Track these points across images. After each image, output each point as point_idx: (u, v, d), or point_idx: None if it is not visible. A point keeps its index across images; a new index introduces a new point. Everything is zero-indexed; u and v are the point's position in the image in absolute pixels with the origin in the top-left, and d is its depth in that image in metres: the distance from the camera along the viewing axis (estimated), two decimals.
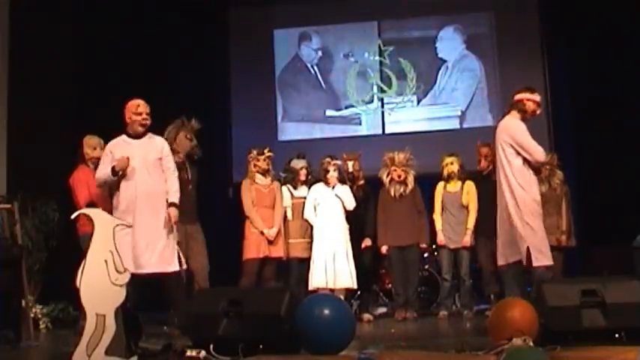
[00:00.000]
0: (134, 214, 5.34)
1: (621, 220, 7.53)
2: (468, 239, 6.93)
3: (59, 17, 7.85)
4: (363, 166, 7.12)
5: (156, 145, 5.60)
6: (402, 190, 6.90)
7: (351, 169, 6.91)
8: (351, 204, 6.65)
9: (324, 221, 6.56)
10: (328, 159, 6.79)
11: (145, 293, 5.32)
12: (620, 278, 4.49)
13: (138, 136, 5.52)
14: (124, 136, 5.54)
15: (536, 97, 5.35)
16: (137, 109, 5.51)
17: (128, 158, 5.38)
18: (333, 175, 6.67)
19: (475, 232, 6.99)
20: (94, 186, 6.17)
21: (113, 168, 5.38)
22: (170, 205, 5.49)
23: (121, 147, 5.48)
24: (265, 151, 6.78)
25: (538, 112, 5.38)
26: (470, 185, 7.05)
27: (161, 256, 5.40)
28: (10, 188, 7.02)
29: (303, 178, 6.92)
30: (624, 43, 8.45)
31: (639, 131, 8.34)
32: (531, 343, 3.73)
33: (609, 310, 4.06)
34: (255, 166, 6.73)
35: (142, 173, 5.45)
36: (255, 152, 6.77)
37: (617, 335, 4.01)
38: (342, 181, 6.81)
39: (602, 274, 6.32)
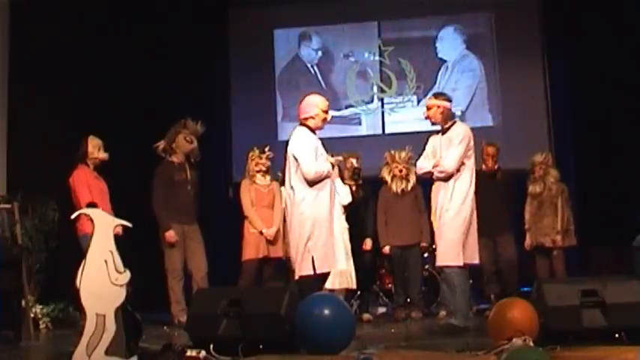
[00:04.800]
0: (335, 210, 5.33)
1: (621, 220, 7.53)
2: None
3: (59, 17, 7.84)
4: (363, 166, 7.11)
5: None
6: (403, 185, 6.89)
7: (356, 164, 6.87)
8: (346, 197, 6.58)
9: None
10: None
11: None
12: (620, 278, 4.50)
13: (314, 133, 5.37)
14: (308, 130, 5.28)
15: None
16: (327, 107, 5.37)
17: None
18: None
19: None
20: (94, 186, 6.17)
21: (332, 164, 5.30)
22: None
23: (318, 142, 5.31)
24: (266, 150, 6.79)
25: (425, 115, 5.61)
26: None
27: None
28: (10, 188, 7.01)
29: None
30: (624, 43, 8.45)
31: (638, 131, 8.34)
32: (531, 343, 3.73)
33: (609, 310, 4.06)
34: (257, 164, 6.73)
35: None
36: (257, 151, 6.79)
37: (617, 335, 4.01)
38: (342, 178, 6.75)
39: (602, 274, 6.33)
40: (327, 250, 5.13)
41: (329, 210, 5.20)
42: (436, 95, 5.66)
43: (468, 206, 5.33)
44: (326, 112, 5.35)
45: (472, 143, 5.45)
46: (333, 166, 5.29)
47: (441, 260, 5.32)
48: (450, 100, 5.57)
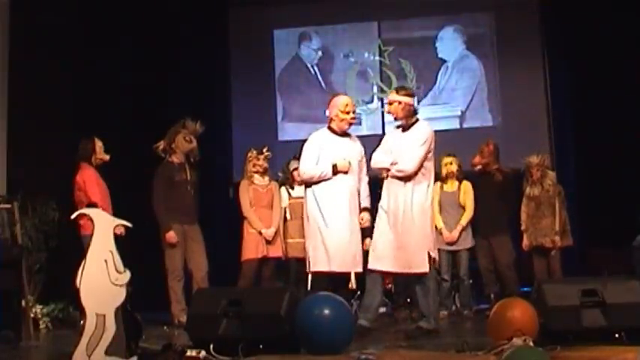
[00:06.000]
0: (333, 213, 5.26)
1: (621, 220, 7.53)
2: (456, 234, 6.90)
3: (59, 17, 7.84)
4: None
5: (358, 148, 5.52)
6: None
7: None
8: None
9: None
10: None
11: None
12: (620, 278, 4.50)
13: (340, 134, 5.41)
14: (327, 131, 5.39)
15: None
16: (346, 107, 5.38)
17: (350, 163, 5.32)
18: None
19: (473, 232, 7.01)
20: (101, 185, 6.18)
21: (335, 167, 5.25)
22: (363, 209, 5.47)
23: (330, 143, 5.34)
24: (264, 150, 6.79)
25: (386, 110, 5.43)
26: (467, 185, 7.06)
27: (355, 257, 5.35)
28: (10, 188, 7.01)
29: (298, 179, 6.89)
30: (625, 43, 8.45)
31: (639, 131, 8.34)
32: (531, 343, 3.73)
33: (609, 310, 4.07)
34: (254, 165, 6.73)
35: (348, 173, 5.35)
36: (255, 152, 6.78)
37: (617, 335, 4.01)
38: None
39: (602, 274, 6.33)
40: (324, 250, 5.21)
41: (330, 211, 5.22)
42: (398, 90, 5.39)
43: (428, 209, 5.18)
44: (346, 112, 5.39)
45: (433, 145, 5.24)
46: (335, 171, 5.25)
47: (416, 268, 5.10)
48: (411, 96, 5.37)
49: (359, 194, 5.47)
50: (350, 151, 5.40)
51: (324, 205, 5.26)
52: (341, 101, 5.43)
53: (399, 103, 5.26)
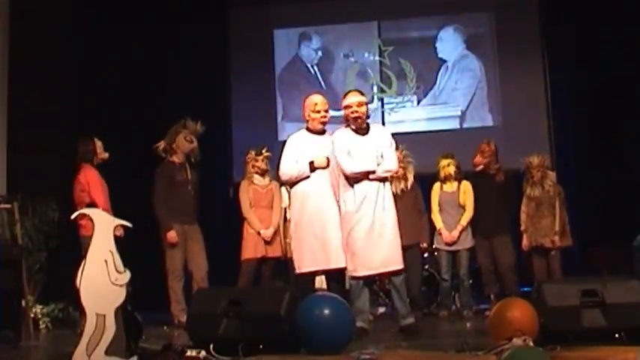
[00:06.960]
0: (316, 210, 5.27)
1: (621, 220, 7.53)
2: (455, 234, 6.91)
3: (59, 17, 7.85)
4: None
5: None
6: (402, 185, 6.88)
7: None
8: None
9: None
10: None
11: None
12: (620, 278, 4.50)
13: (318, 133, 5.45)
14: (304, 132, 5.47)
15: (345, 102, 5.27)
16: (315, 107, 5.43)
17: (328, 159, 5.29)
18: None
19: (473, 232, 7.01)
20: (104, 185, 6.18)
21: (312, 164, 5.27)
22: None
23: (307, 142, 5.38)
24: (263, 151, 6.79)
25: (353, 115, 5.20)
26: (466, 185, 7.06)
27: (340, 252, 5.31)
28: (10, 188, 7.02)
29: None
30: (625, 43, 8.45)
31: (639, 131, 8.34)
32: (531, 343, 3.73)
33: (609, 310, 4.06)
34: (253, 167, 6.74)
35: (325, 170, 5.36)
36: (253, 153, 6.78)
37: (617, 335, 4.01)
38: None
39: (602, 274, 6.34)
40: (308, 250, 5.25)
41: (313, 210, 5.25)
42: (358, 92, 5.35)
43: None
44: (317, 111, 5.43)
45: None
46: (313, 168, 5.27)
47: (397, 265, 5.15)
48: None
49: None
50: (326, 148, 5.36)
51: (307, 203, 5.29)
52: (312, 102, 5.49)
53: (367, 105, 5.34)
